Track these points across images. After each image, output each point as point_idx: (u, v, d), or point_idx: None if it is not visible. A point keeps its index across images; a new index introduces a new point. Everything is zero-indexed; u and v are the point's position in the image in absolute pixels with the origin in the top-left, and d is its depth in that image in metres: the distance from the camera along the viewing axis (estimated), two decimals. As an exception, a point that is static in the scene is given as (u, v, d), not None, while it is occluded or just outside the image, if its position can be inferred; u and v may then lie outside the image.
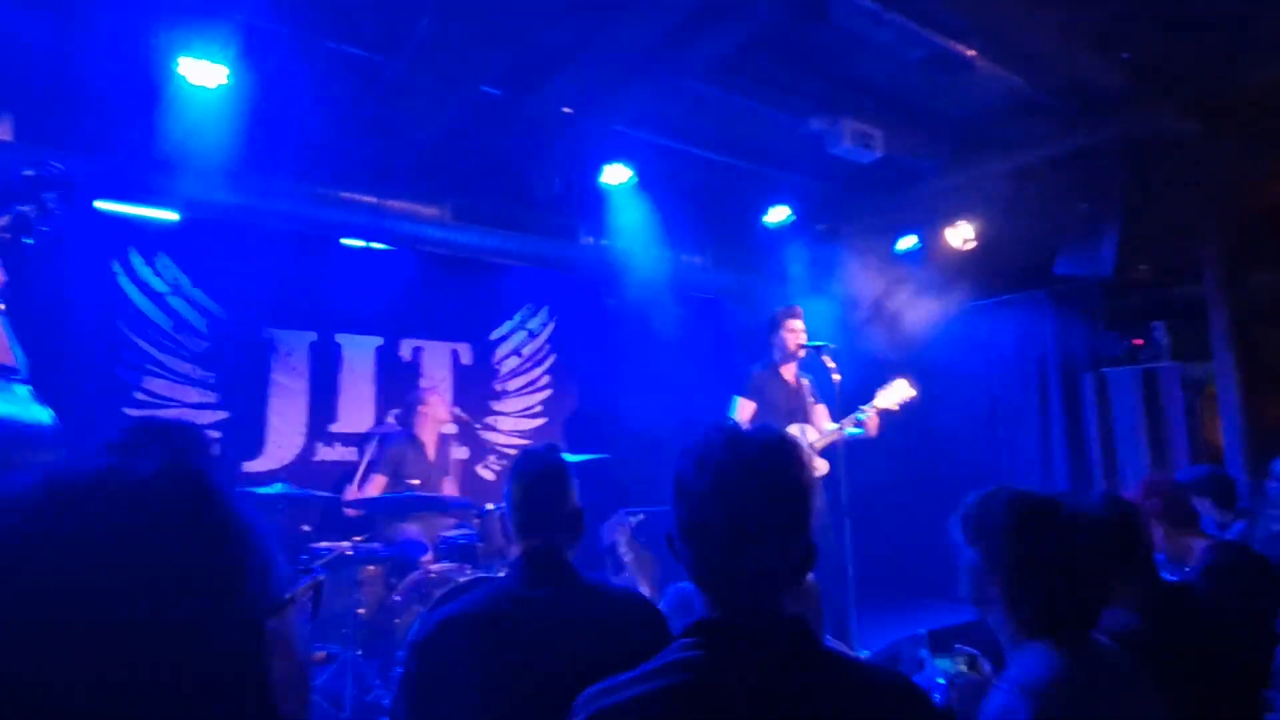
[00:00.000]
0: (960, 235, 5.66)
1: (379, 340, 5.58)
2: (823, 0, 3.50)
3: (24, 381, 2.12)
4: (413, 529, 4.37)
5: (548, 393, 6.33)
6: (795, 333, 4.46)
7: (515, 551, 1.66)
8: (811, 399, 4.47)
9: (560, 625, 1.51)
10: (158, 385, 4.73)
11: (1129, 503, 1.78)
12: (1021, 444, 6.14)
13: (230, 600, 0.51)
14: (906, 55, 4.02)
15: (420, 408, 4.90)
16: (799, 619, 0.98)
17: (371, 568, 3.94)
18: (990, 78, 4.17)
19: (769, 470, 0.99)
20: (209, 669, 0.48)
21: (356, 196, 4.74)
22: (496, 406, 6.07)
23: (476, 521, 3.98)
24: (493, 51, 3.68)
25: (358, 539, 4.02)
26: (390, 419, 5.37)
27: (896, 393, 4.31)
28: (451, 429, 5.47)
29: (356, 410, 5.43)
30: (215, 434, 4.88)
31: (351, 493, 4.50)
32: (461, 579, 3.57)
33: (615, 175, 5.07)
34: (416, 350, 5.75)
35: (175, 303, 4.84)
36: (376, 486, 4.55)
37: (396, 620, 3.63)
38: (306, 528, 3.98)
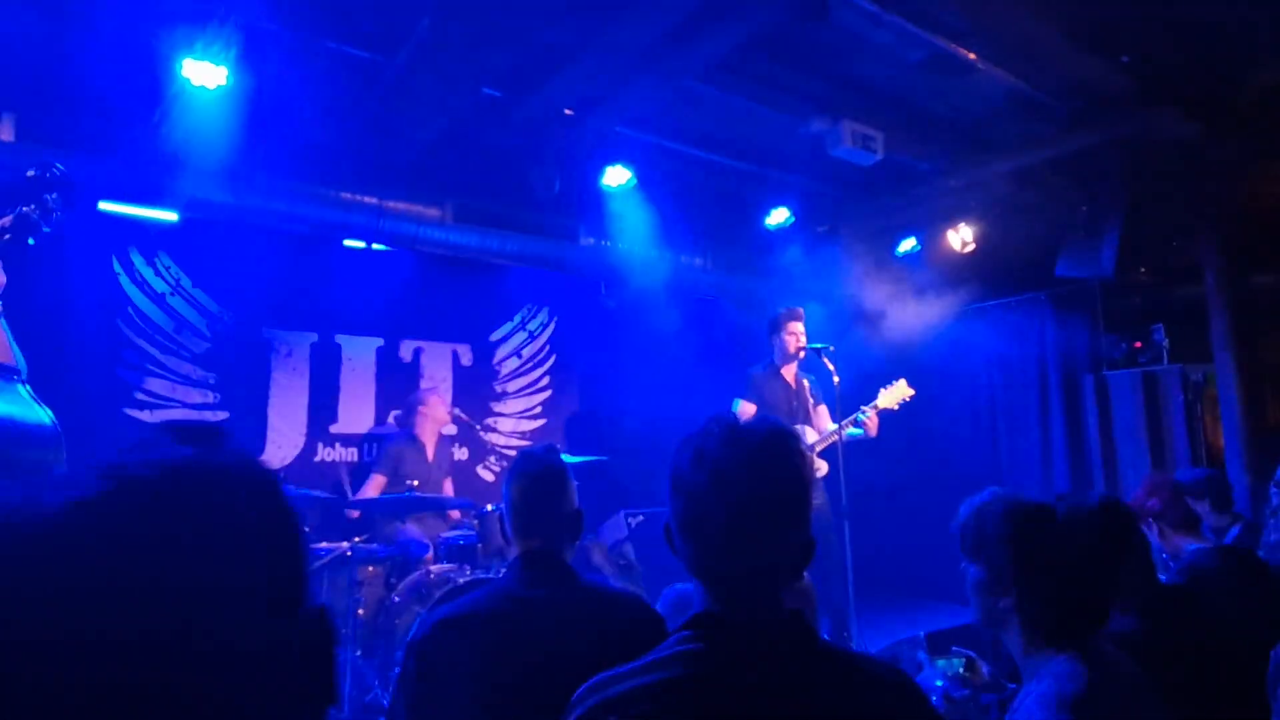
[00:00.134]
0: (960, 237, 5.66)
1: (379, 341, 5.58)
2: (823, 1, 3.50)
3: (24, 381, 2.12)
4: (413, 529, 4.37)
5: (548, 394, 6.33)
6: (796, 335, 4.46)
7: (514, 552, 1.66)
8: (812, 400, 4.47)
9: (559, 626, 1.51)
10: (158, 385, 4.73)
11: (1123, 503, 1.77)
12: (1021, 446, 6.14)
13: (305, 591, 0.51)
14: (907, 57, 4.03)
15: (420, 408, 4.91)
16: (797, 613, 0.98)
17: (371, 568, 3.95)
18: (991, 79, 4.18)
19: (768, 463, 0.99)
20: (292, 659, 0.48)
21: (357, 197, 4.75)
22: (496, 407, 6.07)
23: (476, 522, 3.98)
24: (493, 52, 3.68)
25: (357, 539, 4.02)
26: (391, 420, 5.38)
27: (896, 393, 4.31)
28: (452, 430, 5.48)
29: (357, 411, 5.43)
30: (215, 434, 4.88)
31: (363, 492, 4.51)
32: (461, 580, 3.57)
33: (615, 176, 5.07)
34: (417, 351, 5.75)
35: (176, 303, 4.85)
36: (376, 487, 4.55)
37: (396, 621, 3.63)
38: (306, 528, 3.98)
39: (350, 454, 5.34)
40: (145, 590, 0.43)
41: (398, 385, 5.49)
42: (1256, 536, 3.20)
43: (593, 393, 6.47)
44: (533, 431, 6.21)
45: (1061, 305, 5.91)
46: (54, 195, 2.33)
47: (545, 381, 6.33)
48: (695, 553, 0.99)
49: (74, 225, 3.49)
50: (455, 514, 4.67)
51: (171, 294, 4.84)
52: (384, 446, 4.86)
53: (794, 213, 5.92)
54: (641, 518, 5.00)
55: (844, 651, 1.01)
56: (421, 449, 4.80)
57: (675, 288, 6.41)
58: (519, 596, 1.56)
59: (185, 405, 4.80)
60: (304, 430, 5.22)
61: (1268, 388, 4.95)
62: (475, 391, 5.91)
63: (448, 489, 4.97)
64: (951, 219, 5.63)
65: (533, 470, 1.70)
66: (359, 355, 5.49)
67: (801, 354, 4.42)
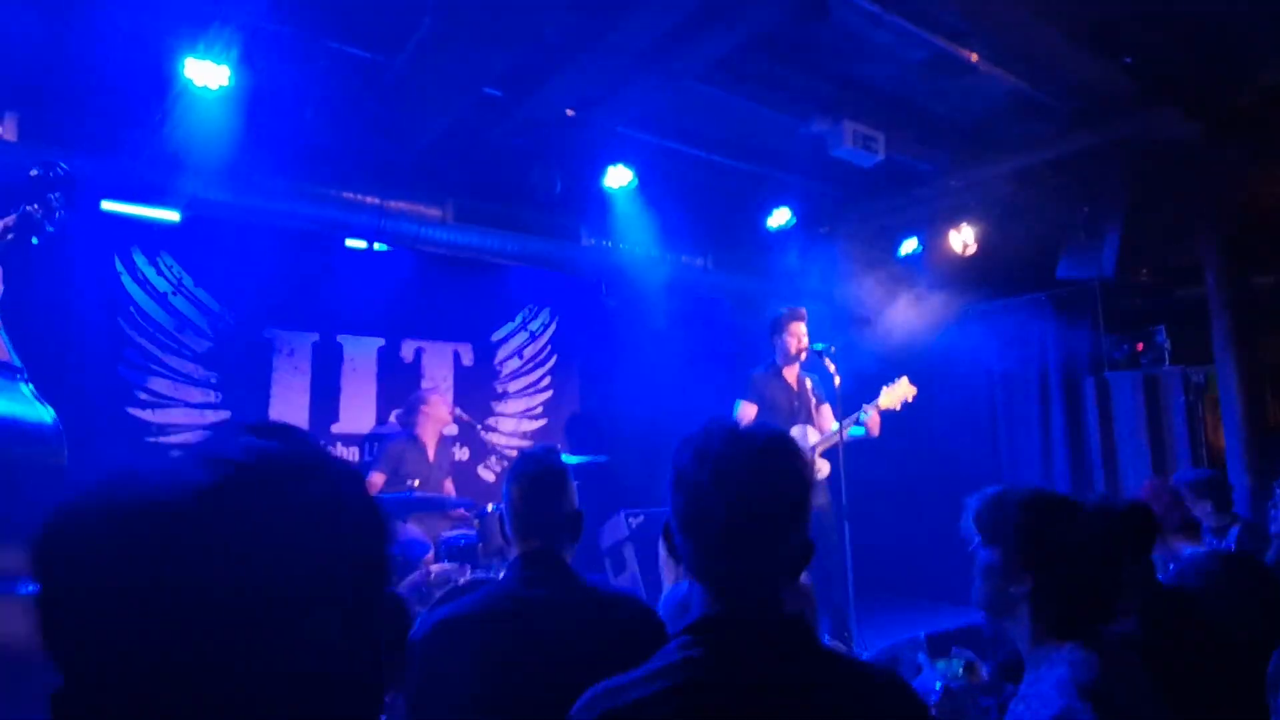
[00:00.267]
0: (961, 238, 5.66)
1: (381, 341, 5.59)
2: (824, 1, 3.50)
3: (26, 380, 2.13)
4: (413, 529, 4.37)
5: (548, 394, 6.33)
6: (797, 335, 4.46)
7: (514, 553, 1.66)
8: (814, 399, 4.47)
9: (559, 627, 1.51)
10: (160, 384, 4.74)
11: (1150, 510, 1.77)
12: (1022, 447, 6.14)
13: (389, 574, 0.55)
14: (908, 57, 4.03)
15: (422, 408, 4.91)
16: (798, 616, 0.99)
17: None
18: (992, 80, 4.18)
19: (771, 465, 0.99)
20: (377, 638, 0.52)
21: (359, 197, 4.75)
22: (498, 407, 6.08)
23: (476, 522, 3.99)
24: (494, 52, 3.68)
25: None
26: (392, 419, 5.38)
27: (898, 391, 4.31)
28: (453, 429, 5.48)
29: (358, 410, 5.44)
30: (217, 433, 4.90)
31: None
32: (461, 580, 3.58)
33: (617, 177, 5.07)
34: (418, 351, 5.76)
35: (178, 302, 4.86)
36: (374, 486, 4.56)
37: (396, 620, 3.63)
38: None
39: (352, 454, 5.34)
40: (266, 565, 0.47)
41: (399, 385, 5.49)
42: (1257, 537, 3.20)
43: (594, 393, 6.47)
44: (534, 431, 6.22)
45: (1062, 306, 5.91)
46: (57, 194, 2.34)
47: (546, 381, 6.34)
48: (696, 553, 1.00)
49: (76, 225, 3.50)
50: (459, 511, 4.67)
51: (173, 293, 4.85)
52: (384, 446, 4.86)
53: (795, 213, 5.92)
54: (642, 518, 5.00)
55: (843, 655, 1.01)
56: (422, 449, 4.81)
57: (676, 288, 6.41)
58: (519, 597, 1.56)
59: (187, 404, 4.81)
60: (305, 429, 5.22)
61: (1268, 389, 4.94)
62: (476, 391, 5.91)
63: (449, 489, 4.97)
64: (952, 220, 5.63)
65: (533, 471, 1.70)
66: (360, 355, 5.50)
67: (803, 355, 4.42)
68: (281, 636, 0.46)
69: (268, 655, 0.46)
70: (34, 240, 2.33)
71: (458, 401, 5.63)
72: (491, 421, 5.98)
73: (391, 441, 4.85)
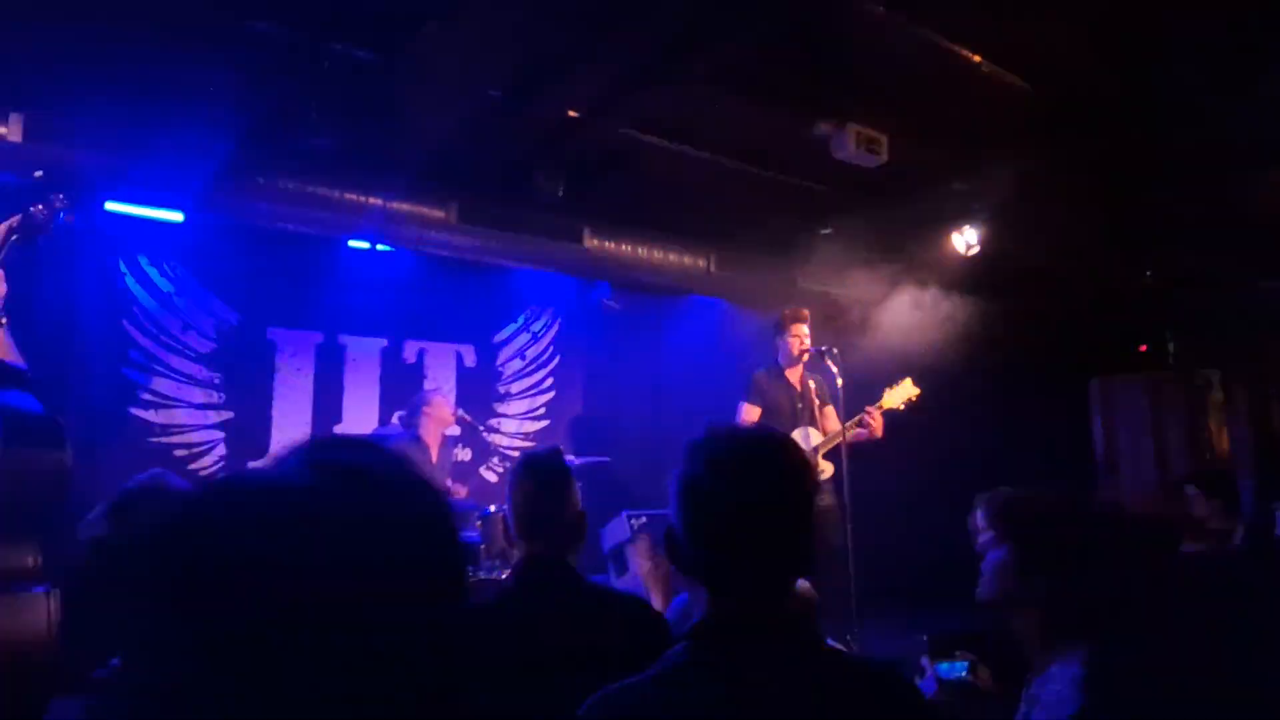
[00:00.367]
0: (965, 240, 5.66)
1: (384, 341, 5.60)
2: (828, 5, 3.50)
3: (31, 381, 2.13)
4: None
5: (551, 395, 6.33)
6: (800, 336, 4.46)
7: (517, 555, 1.66)
8: (818, 400, 4.46)
9: (563, 629, 1.51)
10: (163, 385, 4.75)
11: (1174, 523, 1.76)
12: (1024, 449, 6.12)
13: (465, 580, 0.59)
14: (913, 60, 4.03)
15: (424, 409, 4.91)
16: (802, 618, 0.99)
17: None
18: (998, 82, 4.17)
19: (776, 470, 1.00)
20: (455, 640, 0.55)
21: (362, 198, 4.76)
22: (500, 408, 6.08)
23: (479, 524, 3.99)
24: (499, 54, 3.69)
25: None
26: (395, 420, 5.39)
27: (902, 392, 4.31)
28: (455, 430, 5.48)
29: (361, 411, 5.44)
30: (220, 434, 4.90)
31: None
32: (464, 581, 3.57)
33: (620, 178, 5.07)
34: (421, 352, 5.76)
35: (181, 303, 4.86)
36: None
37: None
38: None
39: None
40: (361, 559, 0.50)
41: (402, 386, 5.50)
42: (1261, 538, 3.19)
43: (596, 394, 6.47)
44: (536, 433, 6.22)
45: (1066, 308, 5.90)
46: (61, 195, 2.35)
47: (549, 383, 6.34)
48: (702, 558, 1.00)
49: (80, 225, 3.51)
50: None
51: (177, 294, 4.86)
52: (389, 446, 4.86)
53: (798, 215, 5.91)
54: (644, 519, 4.99)
55: (847, 655, 1.01)
56: (425, 450, 4.81)
57: (679, 289, 6.41)
58: (523, 599, 1.56)
59: (190, 405, 4.82)
60: (308, 430, 5.23)
61: (1273, 393, 4.93)
62: (479, 392, 5.91)
63: (457, 490, 4.97)
64: (956, 221, 5.62)
65: (537, 472, 1.70)
66: (363, 356, 5.51)
67: (805, 355, 4.42)
68: (371, 626, 0.49)
69: (359, 644, 0.49)
70: (38, 240, 2.33)
71: (460, 402, 5.63)
72: (494, 422, 5.98)
73: (394, 443, 4.85)
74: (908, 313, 5.92)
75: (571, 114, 4.51)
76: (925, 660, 1.88)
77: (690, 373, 6.62)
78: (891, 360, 5.15)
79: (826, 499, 4.16)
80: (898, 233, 6.05)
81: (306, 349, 5.29)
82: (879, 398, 4.33)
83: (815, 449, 4.31)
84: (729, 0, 3.41)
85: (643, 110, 4.46)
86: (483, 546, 3.86)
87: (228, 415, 4.94)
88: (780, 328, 4.55)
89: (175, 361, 4.81)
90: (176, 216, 4.57)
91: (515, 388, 6.19)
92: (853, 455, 4.25)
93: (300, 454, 0.55)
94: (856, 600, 4.20)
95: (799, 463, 1.02)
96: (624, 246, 5.69)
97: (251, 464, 5.05)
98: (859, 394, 4.37)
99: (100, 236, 4.53)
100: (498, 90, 4.25)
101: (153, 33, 3.69)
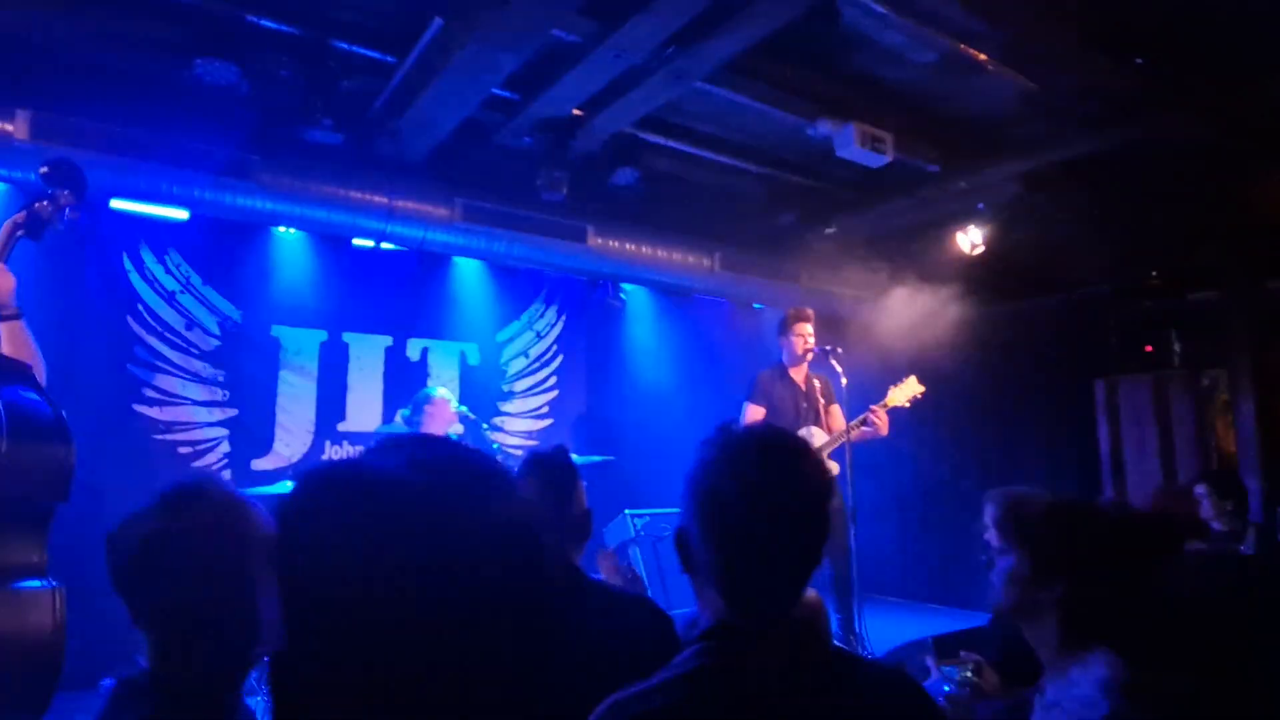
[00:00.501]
0: (970, 239, 5.64)
1: (388, 339, 5.60)
2: (833, 4, 3.49)
3: (36, 380, 2.13)
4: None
5: (554, 394, 6.33)
6: (804, 336, 4.45)
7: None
8: (823, 400, 4.45)
9: (566, 628, 1.50)
10: (167, 382, 4.75)
11: (1180, 517, 1.75)
12: (1030, 451, 6.11)
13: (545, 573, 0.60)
14: (917, 58, 4.02)
15: (426, 407, 4.91)
16: (811, 621, 0.98)
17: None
18: (1002, 81, 4.16)
19: (800, 475, 0.99)
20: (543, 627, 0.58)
21: (366, 197, 4.76)
22: (504, 407, 6.08)
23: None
24: (503, 52, 3.68)
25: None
26: (398, 419, 5.38)
27: (907, 390, 4.29)
28: (459, 429, 5.48)
29: (365, 409, 5.45)
30: (224, 431, 4.91)
31: None
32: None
33: (624, 177, 5.07)
34: (425, 350, 5.76)
35: (186, 301, 4.87)
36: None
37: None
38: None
39: (358, 452, 5.34)
40: (461, 549, 0.53)
41: (406, 384, 5.50)
42: (1269, 540, 3.18)
43: (600, 393, 6.47)
44: (539, 431, 6.21)
45: (1072, 308, 5.88)
46: (66, 192, 2.35)
47: (552, 382, 6.34)
48: (718, 562, 0.98)
49: (85, 223, 3.51)
50: None
51: (181, 292, 4.86)
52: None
53: (802, 214, 5.90)
54: (647, 518, 4.99)
55: (857, 658, 1.00)
56: (428, 448, 4.81)
57: (683, 289, 6.41)
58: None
59: (194, 402, 4.82)
60: (312, 428, 5.23)
61: (1280, 393, 4.91)
62: (482, 391, 5.91)
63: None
64: (961, 221, 5.61)
65: (543, 471, 1.70)
66: (367, 354, 5.51)
67: (810, 355, 4.41)
68: (471, 617, 0.52)
69: (464, 635, 0.51)
70: (43, 237, 2.33)
71: (464, 401, 5.63)
72: (498, 421, 5.98)
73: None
74: (912, 312, 5.90)
75: (576, 112, 4.51)
76: (930, 661, 1.87)
77: (694, 372, 6.61)
78: (896, 360, 5.14)
79: (836, 500, 4.15)
80: (902, 232, 6.04)
81: (310, 347, 5.29)
82: (883, 397, 4.32)
83: (820, 448, 4.30)
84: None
85: (646, 108, 4.45)
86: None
87: (231, 413, 4.94)
88: (784, 328, 4.54)
89: (179, 358, 4.82)
90: (181, 214, 4.58)
91: (519, 386, 6.18)
92: (857, 453, 4.24)
93: (396, 450, 0.57)
94: (859, 600, 4.19)
95: (817, 466, 1.01)
96: (628, 245, 5.69)
97: (330, 455, 5.04)
98: (864, 393, 4.36)
99: (105, 233, 4.53)
100: (503, 89, 4.25)
101: (159, 30, 3.69)
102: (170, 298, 4.82)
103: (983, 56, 3.91)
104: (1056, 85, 4.18)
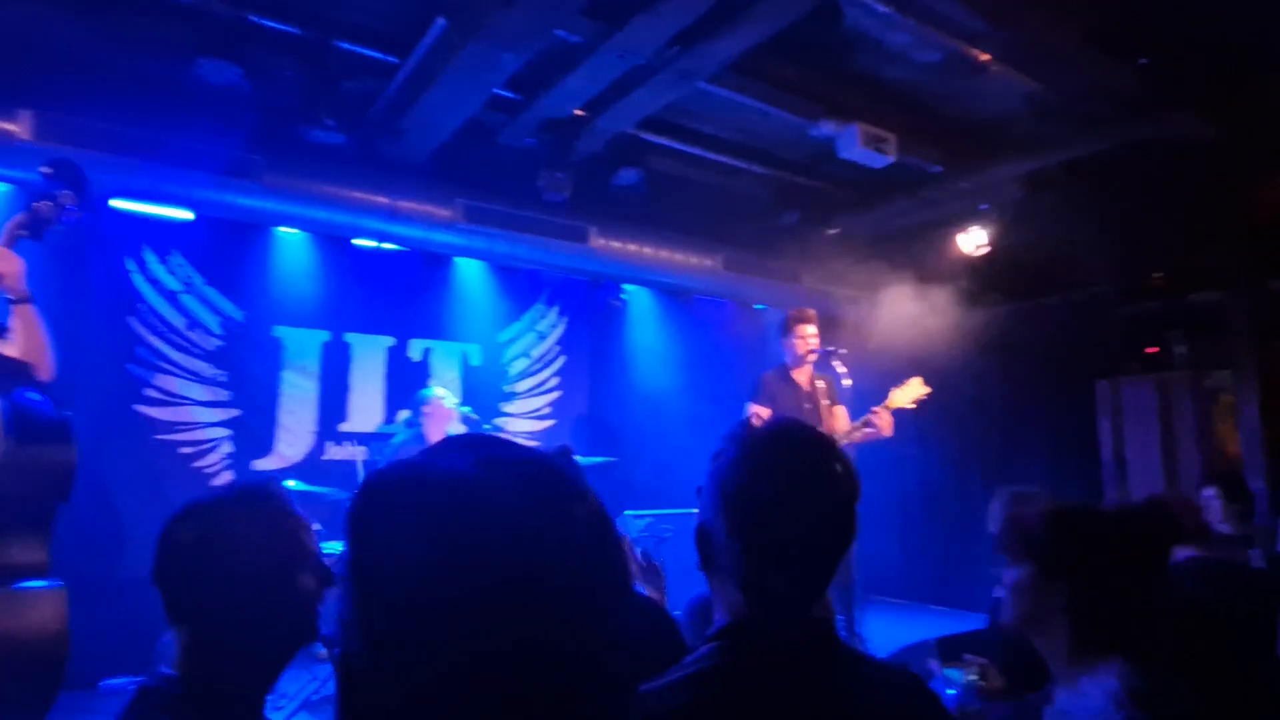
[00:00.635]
0: (973, 240, 5.63)
1: (390, 340, 5.60)
2: (836, 4, 3.49)
3: (40, 380, 2.13)
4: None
5: (556, 394, 6.32)
6: (806, 337, 4.43)
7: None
8: (826, 401, 4.44)
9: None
10: (169, 383, 4.75)
11: (1172, 510, 1.74)
12: (1032, 452, 6.10)
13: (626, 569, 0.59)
14: (921, 59, 4.01)
15: (423, 408, 4.90)
16: (826, 621, 0.97)
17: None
18: (1005, 82, 4.15)
19: (830, 473, 0.98)
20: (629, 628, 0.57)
21: (368, 197, 4.76)
22: (505, 408, 6.08)
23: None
24: (506, 53, 3.68)
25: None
26: (399, 419, 5.38)
27: (910, 391, 4.27)
28: (460, 429, 5.48)
29: (366, 409, 5.44)
30: (226, 432, 4.91)
31: None
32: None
33: (626, 177, 5.07)
34: (427, 350, 5.76)
35: (188, 301, 4.87)
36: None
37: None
38: (316, 526, 3.98)
39: (359, 453, 5.35)
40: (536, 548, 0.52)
41: (408, 384, 5.49)
42: (1271, 544, 3.17)
43: (601, 394, 6.47)
44: (541, 432, 6.21)
45: (1075, 309, 5.87)
46: (68, 192, 2.35)
47: (554, 383, 6.33)
48: (746, 559, 0.96)
49: (88, 222, 3.51)
50: None
51: (184, 292, 4.86)
52: (392, 446, 4.86)
53: (805, 214, 5.90)
54: (649, 519, 4.98)
55: (873, 660, 0.99)
56: (429, 448, 4.80)
57: (685, 289, 6.41)
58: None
59: (196, 403, 4.82)
60: (314, 428, 5.23)
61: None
62: (484, 391, 5.91)
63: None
64: (964, 221, 5.60)
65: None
66: (369, 354, 5.51)
67: (812, 356, 4.39)
68: (553, 616, 0.51)
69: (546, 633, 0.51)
70: (45, 237, 2.33)
71: (466, 401, 5.62)
72: (500, 422, 5.98)
73: (399, 442, 4.85)
74: (914, 313, 5.89)
75: (579, 113, 4.51)
76: (935, 664, 1.86)
77: (696, 373, 6.61)
78: (898, 361, 5.13)
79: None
80: (904, 233, 6.03)
81: (312, 347, 5.29)
82: (886, 398, 4.30)
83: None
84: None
85: (649, 109, 4.45)
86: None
87: (233, 413, 4.94)
88: (787, 329, 4.53)
89: (181, 358, 4.82)
90: (184, 214, 4.58)
91: (521, 387, 6.18)
92: (860, 454, 4.23)
93: (461, 451, 0.57)
94: (861, 602, 4.19)
95: (846, 464, 0.99)
96: (630, 246, 5.68)
97: (331, 455, 5.03)
98: (868, 394, 4.35)
99: (107, 234, 4.53)
100: (506, 90, 4.25)
101: (161, 30, 3.69)
102: (172, 298, 4.82)
103: (986, 57, 3.90)
104: (1059, 85, 4.17)
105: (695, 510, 1.03)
